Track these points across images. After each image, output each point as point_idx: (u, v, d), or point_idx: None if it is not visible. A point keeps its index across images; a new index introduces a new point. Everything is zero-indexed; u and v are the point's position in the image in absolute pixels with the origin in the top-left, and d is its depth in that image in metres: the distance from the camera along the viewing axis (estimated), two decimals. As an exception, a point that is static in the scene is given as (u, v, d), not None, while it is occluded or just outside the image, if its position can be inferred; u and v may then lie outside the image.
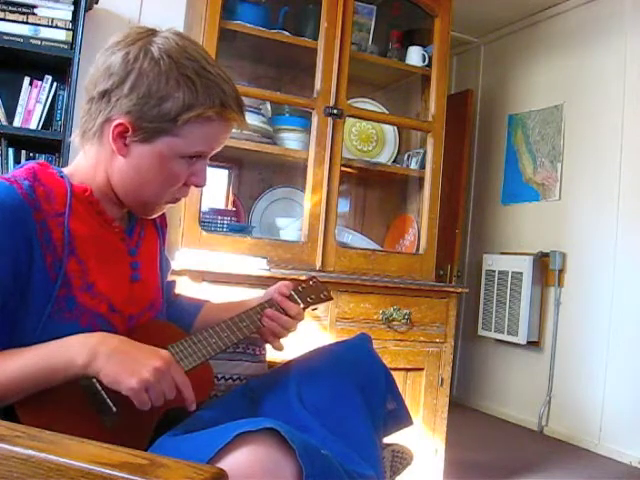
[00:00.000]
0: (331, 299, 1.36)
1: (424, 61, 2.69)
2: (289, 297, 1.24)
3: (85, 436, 0.76)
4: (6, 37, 2.21)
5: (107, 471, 0.67)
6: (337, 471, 0.93)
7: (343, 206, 2.89)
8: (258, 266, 2.16)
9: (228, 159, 2.68)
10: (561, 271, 3.81)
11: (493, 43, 4.60)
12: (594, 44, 3.77)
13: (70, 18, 2.29)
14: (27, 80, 2.32)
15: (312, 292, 1.29)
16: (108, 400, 0.94)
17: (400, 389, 1.28)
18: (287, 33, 2.49)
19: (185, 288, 1.94)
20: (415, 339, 2.42)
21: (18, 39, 2.23)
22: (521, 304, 3.91)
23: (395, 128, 2.88)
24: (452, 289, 2.54)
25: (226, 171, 2.74)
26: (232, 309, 1.22)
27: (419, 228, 2.69)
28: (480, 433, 3.80)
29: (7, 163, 2.29)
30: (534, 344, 3.94)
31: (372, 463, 1.06)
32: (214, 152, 1.09)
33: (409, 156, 2.81)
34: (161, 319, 1.19)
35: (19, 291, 0.95)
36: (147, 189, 1.06)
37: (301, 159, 2.51)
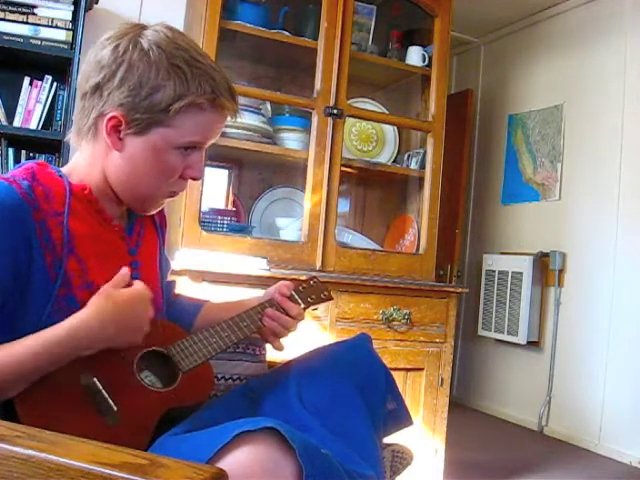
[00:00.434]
0: (331, 299, 1.36)
1: (424, 61, 2.70)
2: (290, 297, 1.24)
3: (85, 436, 0.76)
4: (6, 37, 2.21)
5: (107, 471, 0.67)
6: (337, 471, 0.93)
7: (343, 206, 2.89)
8: (258, 266, 2.16)
9: (228, 159, 2.68)
10: (561, 271, 3.81)
11: (493, 43, 4.60)
12: (594, 44, 3.77)
13: (70, 18, 2.30)
14: (27, 80, 2.32)
15: (312, 292, 1.29)
16: (109, 399, 0.94)
17: (400, 389, 1.28)
18: (287, 33, 2.49)
19: (185, 288, 1.94)
20: (415, 339, 2.42)
21: (18, 39, 2.23)
22: (521, 304, 3.91)
23: (395, 128, 2.88)
24: (452, 289, 2.54)
25: (226, 171, 2.74)
26: (232, 309, 1.22)
27: (419, 228, 2.69)
28: (480, 433, 3.80)
29: (7, 163, 2.29)
30: (534, 344, 3.94)
31: (372, 463, 1.06)
32: (209, 143, 1.08)
33: (409, 156, 2.81)
34: (161, 319, 1.19)
35: (19, 291, 0.95)
36: (143, 183, 1.06)
37: (301, 159, 2.51)
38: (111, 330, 0.96)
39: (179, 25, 2.44)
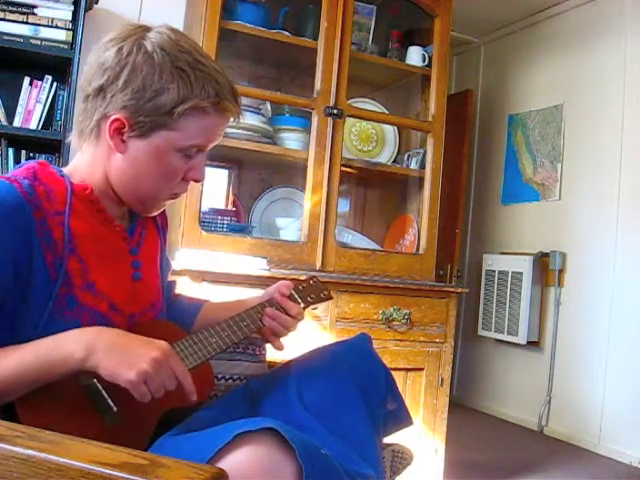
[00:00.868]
0: (331, 298, 1.36)
1: (424, 61, 2.69)
2: (289, 297, 1.24)
3: (85, 436, 0.76)
4: (6, 37, 2.21)
5: (107, 471, 0.67)
6: (337, 471, 0.93)
7: (343, 206, 2.89)
8: (258, 266, 2.16)
9: (228, 159, 2.68)
10: (561, 271, 3.81)
11: (493, 43, 4.60)
12: (594, 44, 3.77)
13: (70, 18, 2.29)
14: (27, 80, 2.32)
15: (312, 291, 1.30)
16: (109, 400, 0.94)
17: (400, 389, 1.28)
18: (287, 33, 2.49)
19: (185, 288, 1.94)
20: (415, 339, 2.42)
21: (18, 39, 2.23)
22: (521, 304, 3.91)
23: (395, 128, 2.88)
24: (452, 289, 2.54)
25: (226, 171, 2.74)
26: (232, 308, 1.22)
27: (419, 228, 2.69)
28: (480, 433, 3.80)
29: (7, 163, 2.29)
30: (534, 344, 3.94)
31: (372, 463, 1.06)
32: (211, 146, 1.08)
33: (409, 156, 2.81)
34: (162, 319, 1.19)
35: (19, 290, 0.95)
36: (145, 185, 1.06)
37: (301, 159, 2.51)
38: (110, 340, 0.93)
39: (179, 25, 2.45)
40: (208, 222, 2.42)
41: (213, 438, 0.88)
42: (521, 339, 3.90)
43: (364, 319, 2.34)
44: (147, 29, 1.04)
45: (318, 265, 2.42)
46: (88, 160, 1.07)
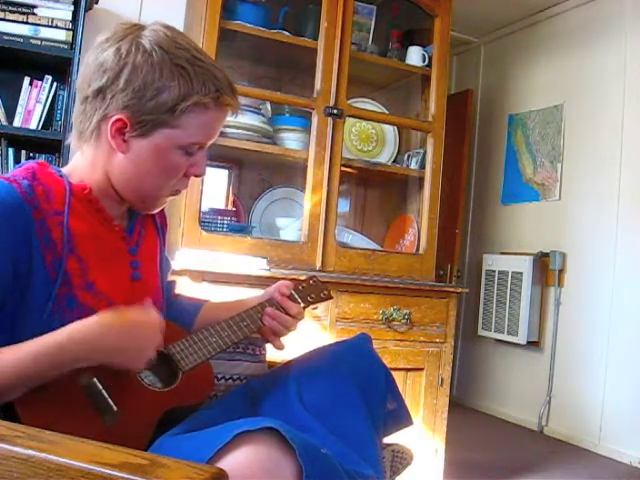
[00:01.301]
0: (331, 298, 1.36)
1: (424, 61, 2.69)
2: (289, 296, 1.24)
3: (85, 436, 0.76)
4: (6, 37, 2.21)
5: (107, 471, 0.67)
6: (337, 471, 0.93)
7: (343, 206, 2.89)
8: (258, 266, 2.16)
9: (228, 159, 2.68)
10: (561, 271, 3.81)
11: (493, 43, 4.60)
12: (594, 44, 3.77)
13: (70, 18, 2.29)
14: (27, 80, 2.32)
15: (312, 291, 1.30)
16: (109, 400, 0.94)
17: (400, 389, 1.28)
18: (287, 33, 2.49)
19: (185, 288, 1.94)
20: (415, 339, 2.42)
21: (18, 39, 2.23)
22: (521, 304, 3.91)
23: (395, 128, 2.88)
24: (452, 289, 2.54)
25: (226, 171, 2.74)
26: (232, 309, 1.22)
27: (419, 228, 2.69)
28: (480, 433, 3.80)
29: (7, 163, 2.29)
30: (534, 344, 3.94)
31: (372, 463, 1.06)
32: (211, 141, 1.09)
33: (409, 156, 2.81)
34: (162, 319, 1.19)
35: (19, 289, 0.95)
36: (147, 183, 1.06)
37: (301, 159, 2.51)
38: (112, 343, 0.94)
39: (179, 25, 2.44)
40: (208, 222, 2.42)
41: (213, 438, 0.88)
42: (521, 339, 3.90)
43: (364, 319, 2.34)
44: (141, 27, 1.04)
45: (318, 265, 2.42)
46: (88, 160, 1.07)
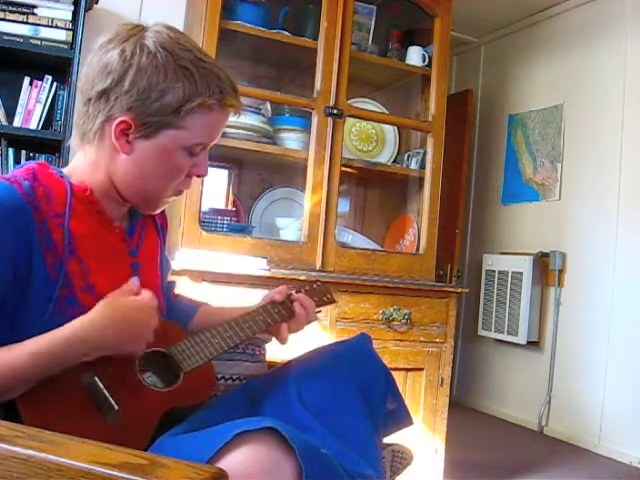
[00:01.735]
0: (334, 302, 1.37)
1: (424, 61, 2.69)
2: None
3: (86, 435, 0.76)
4: (6, 37, 2.21)
5: (107, 471, 0.67)
6: (337, 471, 0.93)
7: (343, 206, 2.89)
8: (258, 266, 2.16)
9: (228, 159, 2.68)
10: (561, 271, 3.81)
11: (493, 43, 4.60)
12: (594, 44, 3.77)
13: (70, 18, 2.29)
14: (27, 80, 2.32)
15: (316, 294, 1.31)
16: (110, 399, 0.94)
17: (400, 389, 1.28)
18: (287, 33, 2.49)
19: (185, 288, 1.94)
20: (415, 339, 2.42)
21: (18, 39, 2.23)
22: (521, 304, 3.91)
23: (395, 128, 2.88)
24: (452, 289, 2.54)
25: (226, 171, 2.74)
26: (230, 314, 1.22)
27: (419, 228, 2.69)
28: (480, 433, 3.80)
29: (7, 163, 2.29)
30: (534, 344, 3.94)
31: (372, 463, 1.06)
32: (214, 142, 1.09)
33: (409, 156, 2.81)
34: (163, 319, 1.19)
35: (19, 291, 0.95)
36: (150, 183, 1.06)
37: (301, 159, 2.51)
38: (111, 335, 0.95)
39: (179, 25, 2.44)
40: (208, 222, 2.42)
41: (213, 438, 0.88)
42: (521, 339, 3.90)
43: (364, 319, 2.34)
44: (144, 28, 1.04)
45: (318, 265, 2.42)
46: (90, 161, 1.06)
